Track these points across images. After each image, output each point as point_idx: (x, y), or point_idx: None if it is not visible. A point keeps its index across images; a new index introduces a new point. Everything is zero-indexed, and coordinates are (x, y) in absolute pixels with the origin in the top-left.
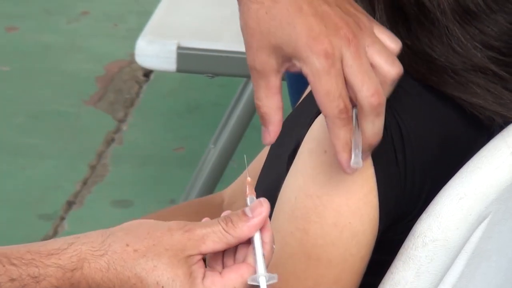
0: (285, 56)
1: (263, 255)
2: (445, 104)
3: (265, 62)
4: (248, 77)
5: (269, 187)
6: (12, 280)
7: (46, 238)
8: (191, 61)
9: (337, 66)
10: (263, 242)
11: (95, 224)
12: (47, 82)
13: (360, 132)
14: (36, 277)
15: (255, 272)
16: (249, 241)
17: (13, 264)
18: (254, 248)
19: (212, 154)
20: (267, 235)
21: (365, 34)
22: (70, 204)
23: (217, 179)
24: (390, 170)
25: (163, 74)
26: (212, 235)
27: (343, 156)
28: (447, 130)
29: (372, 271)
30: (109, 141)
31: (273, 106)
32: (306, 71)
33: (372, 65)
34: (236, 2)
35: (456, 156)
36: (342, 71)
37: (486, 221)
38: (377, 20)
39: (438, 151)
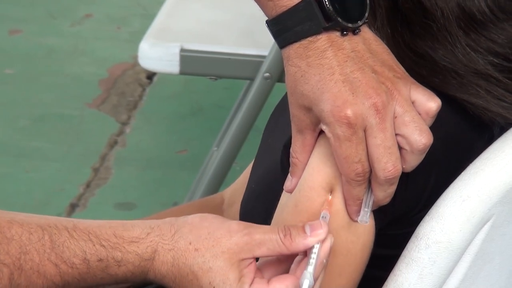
0: (317, 117)
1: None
2: (447, 104)
3: (302, 120)
4: (251, 79)
5: (262, 174)
6: (100, 260)
7: None
8: (194, 64)
9: (359, 134)
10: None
11: None
12: (50, 85)
13: (371, 193)
14: (119, 261)
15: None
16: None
17: (102, 246)
18: (309, 259)
19: (215, 156)
20: (321, 252)
21: (397, 103)
22: (73, 207)
23: (220, 181)
24: None
25: (166, 76)
26: (269, 243)
27: (352, 208)
28: (449, 128)
29: (379, 265)
30: (112, 144)
31: (304, 162)
32: (329, 134)
33: (401, 135)
34: (238, 5)
35: (458, 155)
36: (364, 138)
37: (489, 223)
38: (377, 25)
39: (440, 149)
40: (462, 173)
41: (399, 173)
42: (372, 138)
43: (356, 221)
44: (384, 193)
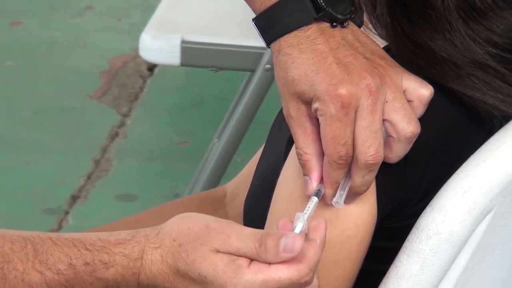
0: (310, 102)
1: None
2: (445, 96)
3: (297, 108)
4: (252, 71)
5: (267, 171)
6: (86, 264)
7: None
8: (195, 55)
9: (350, 116)
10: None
11: (100, 219)
12: (51, 77)
13: (349, 178)
14: (106, 263)
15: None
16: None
17: (88, 250)
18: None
19: (216, 148)
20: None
21: (388, 89)
22: (74, 199)
23: (221, 173)
24: None
25: (167, 68)
26: (245, 250)
27: (328, 192)
28: (447, 120)
29: (380, 258)
30: (113, 136)
31: (314, 153)
32: (321, 112)
33: (389, 121)
34: None
35: (456, 146)
36: (354, 120)
37: (490, 215)
38: (377, 13)
39: (438, 140)
40: (464, 164)
41: (380, 159)
42: (362, 120)
43: (331, 204)
44: (362, 180)
